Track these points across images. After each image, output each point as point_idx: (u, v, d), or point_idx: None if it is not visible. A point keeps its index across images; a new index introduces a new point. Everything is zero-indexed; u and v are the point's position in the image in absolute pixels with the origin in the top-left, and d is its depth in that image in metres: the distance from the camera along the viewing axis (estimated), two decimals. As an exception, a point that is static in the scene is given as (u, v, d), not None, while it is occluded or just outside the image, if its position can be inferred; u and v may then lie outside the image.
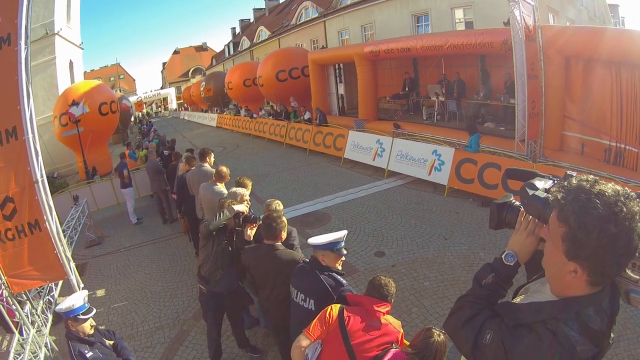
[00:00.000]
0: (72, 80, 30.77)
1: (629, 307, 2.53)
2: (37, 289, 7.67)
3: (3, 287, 6.06)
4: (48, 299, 8.01)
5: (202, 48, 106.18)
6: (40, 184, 5.88)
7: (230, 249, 6.01)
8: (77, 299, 4.75)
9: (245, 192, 6.66)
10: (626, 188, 1.71)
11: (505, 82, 17.49)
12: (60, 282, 8.68)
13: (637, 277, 1.76)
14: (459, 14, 24.42)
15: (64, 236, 7.69)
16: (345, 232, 4.76)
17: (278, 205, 6.07)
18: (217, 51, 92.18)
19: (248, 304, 7.55)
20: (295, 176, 17.30)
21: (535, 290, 2.18)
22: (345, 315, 3.87)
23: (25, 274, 6.08)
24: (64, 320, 4.83)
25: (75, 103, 21.41)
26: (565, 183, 1.81)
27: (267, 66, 30.58)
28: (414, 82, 23.84)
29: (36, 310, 6.98)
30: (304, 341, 3.92)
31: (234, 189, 6.73)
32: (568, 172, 2.01)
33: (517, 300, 2.23)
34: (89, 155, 22.26)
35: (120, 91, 67.34)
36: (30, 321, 6.48)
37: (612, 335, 1.86)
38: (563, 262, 1.79)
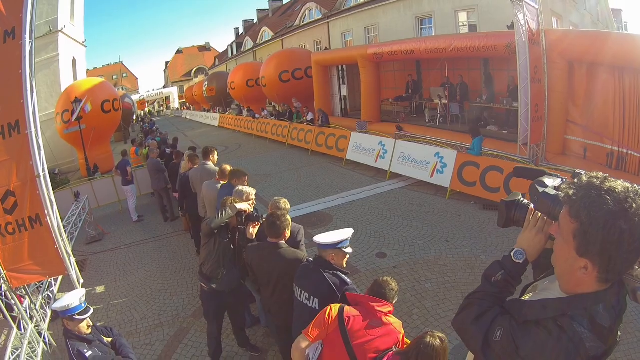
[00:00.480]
0: (75, 78, 30.93)
1: (628, 312, 2.53)
2: (36, 284, 7.68)
3: (2, 281, 6.06)
4: (47, 294, 8.02)
5: (205, 48, 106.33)
6: (42, 178, 5.88)
7: (232, 247, 6.01)
8: (74, 298, 4.70)
9: (252, 191, 6.66)
10: (635, 185, 1.71)
11: (508, 85, 17.49)
12: (60, 278, 8.70)
13: None
14: (462, 17, 24.46)
15: (64, 232, 7.70)
16: (351, 230, 4.74)
17: (285, 203, 6.04)
18: (220, 51, 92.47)
19: (249, 303, 7.53)
20: (297, 176, 17.31)
21: (544, 288, 2.19)
22: (345, 315, 3.84)
23: (25, 269, 6.08)
24: (61, 319, 4.79)
25: (77, 100, 21.46)
26: (576, 180, 1.81)
27: (270, 67, 30.67)
28: (417, 85, 23.82)
29: (35, 305, 6.97)
30: (303, 342, 3.92)
31: (240, 188, 6.72)
32: (577, 171, 2.01)
33: (526, 297, 2.24)
34: (91, 153, 22.45)
35: (123, 89, 67.30)
36: (29, 316, 6.47)
37: (619, 333, 1.87)
38: (574, 258, 1.79)
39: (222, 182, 8.22)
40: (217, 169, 8.84)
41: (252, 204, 6.74)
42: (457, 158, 13.05)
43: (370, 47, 23.23)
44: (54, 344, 6.99)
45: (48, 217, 5.92)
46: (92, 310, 4.82)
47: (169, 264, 10.65)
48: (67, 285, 9.10)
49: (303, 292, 4.59)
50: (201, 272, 6.15)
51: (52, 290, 8.37)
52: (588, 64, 13.29)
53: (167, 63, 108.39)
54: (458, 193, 12.78)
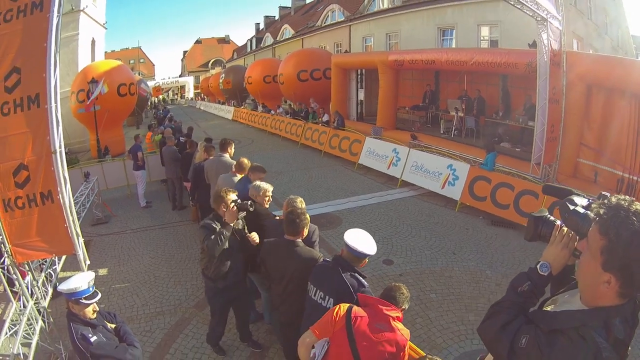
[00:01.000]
0: (93, 59, 31.09)
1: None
2: (39, 261, 7.63)
3: (6, 255, 5.97)
4: (49, 272, 7.94)
5: (224, 40, 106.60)
6: (58, 154, 5.72)
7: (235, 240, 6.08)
8: (82, 281, 4.52)
9: (269, 188, 6.73)
10: None
11: (524, 103, 17.50)
12: (64, 257, 8.69)
13: None
14: (484, 31, 24.41)
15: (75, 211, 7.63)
16: (375, 250, 4.74)
17: (301, 202, 6.08)
18: (239, 45, 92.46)
19: (254, 299, 7.58)
20: (308, 177, 17.40)
21: (565, 301, 2.35)
22: (353, 315, 3.87)
23: (31, 245, 5.93)
24: (65, 300, 4.62)
25: (94, 81, 21.65)
26: (606, 201, 1.99)
27: (289, 65, 30.77)
28: (435, 95, 23.81)
29: (37, 282, 6.83)
30: (308, 338, 4.00)
31: (257, 183, 6.79)
32: (603, 193, 2.20)
33: (548, 309, 2.38)
34: (103, 135, 22.52)
35: (139, 75, 67.37)
36: (30, 292, 6.40)
37: (629, 347, 2.03)
38: (599, 273, 1.96)
39: (238, 175, 8.24)
40: (234, 161, 8.84)
41: (269, 200, 6.84)
42: (470, 172, 13.10)
43: (392, 54, 23.20)
44: (51, 320, 6.94)
45: (60, 195, 5.77)
46: (99, 295, 4.68)
47: (175, 253, 10.67)
48: (70, 265, 9.09)
49: (318, 291, 4.62)
50: (204, 274, 6.24)
51: (55, 268, 8.24)
52: (606, 89, 13.32)
53: (185, 52, 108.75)
54: (467, 207, 12.83)
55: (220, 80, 52.00)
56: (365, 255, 4.65)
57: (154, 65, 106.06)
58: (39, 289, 6.87)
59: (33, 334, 6.11)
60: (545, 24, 12.26)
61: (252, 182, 7.43)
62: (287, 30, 53.87)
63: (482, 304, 7.83)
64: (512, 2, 11.80)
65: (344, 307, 3.98)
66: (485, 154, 13.49)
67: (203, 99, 71.52)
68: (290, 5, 64.76)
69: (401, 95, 24.61)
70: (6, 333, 5.62)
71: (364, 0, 35.42)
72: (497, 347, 2.31)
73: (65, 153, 6.14)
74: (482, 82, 20.69)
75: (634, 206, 1.89)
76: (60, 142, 5.71)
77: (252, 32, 77.99)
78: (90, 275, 4.67)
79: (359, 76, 28.31)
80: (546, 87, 12.60)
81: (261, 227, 6.30)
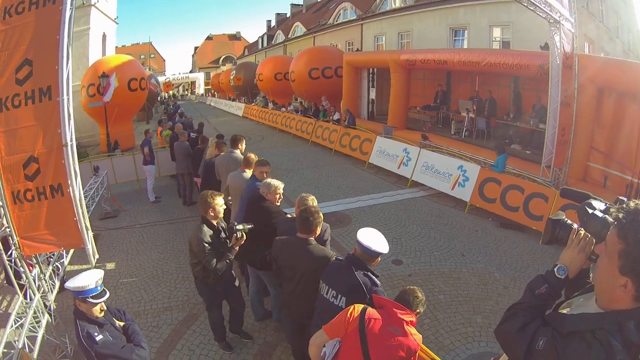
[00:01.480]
0: (104, 53, 31.33)
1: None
2: (46, 254, 7.62)
3: (13, 247, 5.95)
4: (57, 265, 8.00)
5: (235, 37, 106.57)
6: (69, 147, 5.69)
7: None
8: (90, 279, 4.39)
9: (280, 185, 6.75)
10: None
11: (534, 105, 17.55)
12: (72, 250, 8.70)
13: None
14: (496, 32, 24.30)
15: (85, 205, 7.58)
16: (387, 249, 4.77)
17: (313, 201, 6.09)
18: (250, 42, 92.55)
19: (263, 296, 7.61)
20: (318, 175, 17.43)
21: (580, 304, 2.39)
22: (367, 316, 3.86)
23: (40, 237, 5.91)
24: (73, 297, 4.45)
25: (104, 75, 21.73)
26: (624, 205, 2.03)
27: (301, 62, 30.73)
28: (446, 96, 23.84)
29: (44, 275, 6.85)
30: (320, 337, 4.00)
31: (268, 180, 6.79)
32: (620, 197, 2.26)
33: (564, 312, 2.43)
34: (113, 129, 22.70)
35: (150, 70, 67.54)
36: (36, 285, 6.40)
37: None
38: (616, 276, 2.00)
39: (247, 171, 8.27)
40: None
41: (280, 198, 6.85)
42: (480, 173, 13.09)
43: (404, 53, 23.17)
44: (59, 315, 6.94)
45: (71, 188, 5.74)
46: (107, 294, 4.55)
47: (183, 248, 10.48)
48: (78, 259, 9.28)
49: (330, 289, 4.63)
50: (199, 279, 6.36)
51: (63, 262, 8.32)
52: (618, 93, 13.28)
53: (196, 48, 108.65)
54: (477, 208, 12.81)
55: (231, 77, 51.88)
56: (378, 254, 4.65)
57: (164, 60, 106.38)
58: (46, 282, 6.85)
59: (39, 327, 6.12)
60: (558, 26, 12.20)
61: (256, 176, 7.55)
62: (299, 28, 53.83)
63: (490, 306, 7.85)
64: (525, 4, 11.75)
65: (359, 308, 3.96)
66: (495, 155, 13.45)
67: (213, 95, 71.73)
68: (302, 3, 64.62)
69: (412, 95, 24.58)
70: (12, 326, 5.63)
71: (376, -2, 35.35)
72: (514, 349, 2.35)
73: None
74: (494, 83, 20.69)
75: None
76: (71, 135, 5.65)
77: (264, 29, 78.15)
78: (99, 273, 4.54)
79: (371, 75, 28.41)
80: (558, 90, 12.53)
81: (272, 225, 6.32)
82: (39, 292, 6.38)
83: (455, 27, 26.95)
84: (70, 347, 6.58)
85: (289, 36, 56.57)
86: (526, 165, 14.95)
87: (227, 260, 5.96)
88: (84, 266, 9.40)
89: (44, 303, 6.58)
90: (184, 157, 13.81)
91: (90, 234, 6.18)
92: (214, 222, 6.19)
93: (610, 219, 2.18)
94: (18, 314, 5.87)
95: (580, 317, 2.17)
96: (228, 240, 6.23)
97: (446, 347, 6.79)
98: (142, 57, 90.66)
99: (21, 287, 6.25)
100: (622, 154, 13.15)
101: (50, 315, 6.56)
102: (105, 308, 4.56)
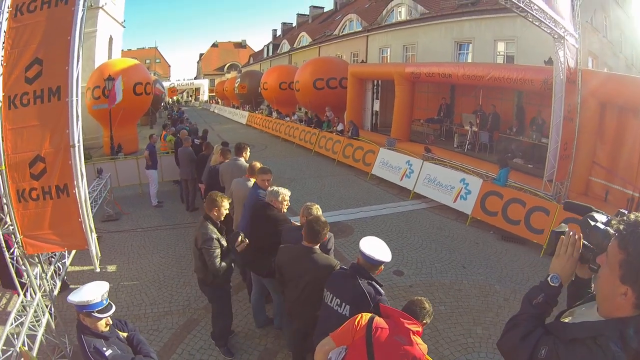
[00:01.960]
0: (110, 56, 31.44)
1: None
2: (48, 254, 7.45)
3: (16, 245, 5.91)
4: (58, 265, 7.95)
5: (240, 45, 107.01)
6: (76, 148, 5.66)
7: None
8: (95, 293, 4.20)
9: (287, 193, 6.79)
10: None
11: (533, 118, 17.72)
12: (74, 251, 8.68)
13: None
14: (501, 46, 24.40)
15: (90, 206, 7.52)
16: (390, 257, 4.88)
17: (318, 210, 6.13)
18: (255, 50, 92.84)
19: (265, 303, 7.63)
20: (320, 185, 17.47)
21: (581, 313, 2.45)
22: (374, 325, 3.87)
23: (43, 237, 5.85)
24: (76, 311, 4.26)
25: (110, 78, 21.79)
26: (625, 218, 2.11)
27: (306, 72, 30.87)
28: (449, 109, 23.89)
29: (46, 275, 6.76)
30: (328, 344, 3.99)
31: (275, 188, 6.82)
32: (620, 210, 2.37)
33: (566, 320, 2.48)
34: (117, 132, 22.75)
35: (155, 75, 67.72)
36: (38, 284, 6.34)
37: None
38: (617, 285, 2.07)
39: (252, 180, 8.24)
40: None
41: (287, 205, 6.89)
42: (482, 186, 13.14)
43: (409, 66, 23.33)
44: (59, 316, 6.91)
45: (77, 189, 5.68)
46: (114, 309, 4.35)
47: (185, 253, 10.63)
48: (79, 260, 9.32)
49: (335, 298, 4.66)
50: (205, 284, 6.45)
51: (64, 262, 8.25)
52: (620, 108, 13.38)
53: (201, 55, 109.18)
54: (478, 221, 12.85)
55: (236, 85, 52.11)
56: (381, 263, 4.75)
57: (169, 66, 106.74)
58: (47, 282, 6.81)
59: (39, 326, 6.12)
60: (562, 41, 12.26)
61: (259, 185, 7.55)
62: (305, 38, 54.03)
63: (490, 318, 7.88)
64: (530, 19, 11.80)
65: (366, 316, 3.99)
66: (498, 169, 13.51)
67: (217, 102, 71.90)
68: (308, 13, 65.09)
69: (416, 108, 24.67)
70: (12, 324, 5.62)
71: (382, 11, 35.50)
72: (517, 359, 2.39)
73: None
74: (497, 97, 20.76)
75: None
76: (79, 136, 5.62)
77: (269, 38, 78.52)
78: (104, 286, 4.36)
79: (375, 87, 28.48)
80: (561, 105, 12.57)
81: (279, 233, 6.34)
82: (40, 292, 6.37)
83: (460, 40, 27.06)
84: (70, 347, 6.58)
85: (295, 46, 56.76)
86: (528, 179, 15.03)
87: (230, 261, 6.04)
88: (85, 267, 9.50)
89: (45, 304, 6.57)
90: (187, 163, 13.86)
91: (94, 235, 6.16)
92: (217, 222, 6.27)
93: (611, 231, 2.24)
94: (18, 312, 5.87)
95: (581, 325, 2.24)
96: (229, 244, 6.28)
97: (446, 358, 6.82)
98: (147, 61, 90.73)
99: (22, 285, 6.22)
100: (623, 169, 13.24)
101: (50, 314, 6.54)
102: (111, 322, 4.38)
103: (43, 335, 6.18)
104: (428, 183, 15.11)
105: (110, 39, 32.20)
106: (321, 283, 4.91)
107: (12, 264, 6.08)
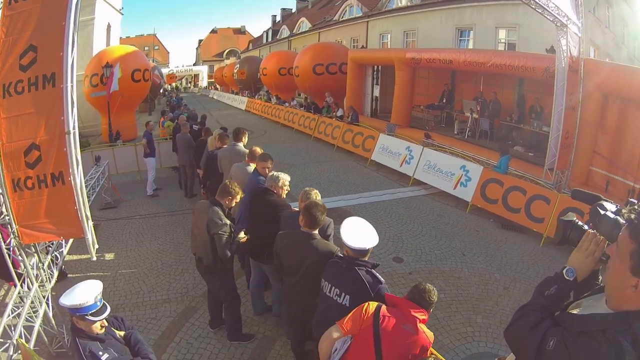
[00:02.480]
0: (108, 44, 31.29)
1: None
2: (45, 243, 7.46)
3: (12, 235, 5.87)
4: (55, 254, 7.88)
5: (240, 31, 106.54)
6: (72, 135, 5.57)
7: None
8: (88, 295, 3.97)
9: (287, 178, 6.74)
10: None
11: (532, 105, 17.76)
12: (71, 240, 8.62)
13: None
14: (502, 34, 24.20)
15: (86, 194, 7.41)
16: (377, 239, 4.71)
17: (316, 195, 6.07)
18: (255, 36, 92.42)
19: (264, 290, 7.60)
20: (320, 170, 17.45)
21: (589, 305, 2.38)
22: (381, 314, 3.87)
23: (39, 226, 5.79)
24: (69, 314, 4.08)
25: (108, 65, 21.68)
26: (636, 207, 2.02)
27: (305, 58, 30.63)
28: (451, 95, 23.79)
29: (42, 265, 6.80)
30: (335, 333, 3.96)
31: (275, 173, 6.76)
32: (630, 200, 2.23)
33: (573, 312, 2.42)
34: (115, 119, 22.60)
35: (154, 62, 67.45)
36: (35, 275, 6.34)
37: None
38: (627, 277, 1.99)
39: (251, 165, 8.20)
40: (247, 150, 8.80)
41: (287, 190, 6.83)
42: (483, 173, 13.07)
43: (409, 52, 23.12)
44: (56, 307, 6.84)
45: (72, 177, 5.61)
46: (108, 310, 4.13)
47: (183, 240, 10.61)
48: (76, 249, 9.28)
49: (334, 288, 4.57)
50: (217, 270, 6.33)
51: (62, 251, 8.23)
52: (622, 98, 13.25)
53: (200, 41, 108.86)
54: (478, 208, 12.80)
55: (235, 71, 51.88)
56: (365, 250, 4.61)
57: (168, 52, 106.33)
58: (44, 272, 6.76)
59: (36, 317, 6.07)
60: (565, 29, 12.16)
61: (258, 171, 7.51)
62: (304, 24, 53.76)
63: (490, 307, 7.86)
64: (533, 6, 11.69)
65: (373, 305, 3.99)
66: (498, 156, 13.44)
67: (216, 89, 71.64)
68: (307, -1, 64.74)
69: (417, 94, 24.50)
70: (9, 315, 5.57)
71: (383, -4, 35.27)
72: (524, 349, 2.33)
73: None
74: (499, 84, 20.60)
75: None
76: (74, 123, 5.55)
77: (269, 24, 77.80)
78: (98, 287, 4.12)
79: (375, 72, 28.28)
80: (563, 94, 12.50)
81: (278, 218, 6.30)
82: (37, 282, 6.32)
83: (461, 27, 26.85)
84: (67, 338, 6.52)
85: (294, 31, 56.45)
86: (528, 167, 14.96)
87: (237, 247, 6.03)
88: (83, 256, 9.44)
89: (42, 294, 6.52)
90: (186, 149, 13.78)
91: (91, 223, 6.09)
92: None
93: (622, 220, 2.16)
94: (15, 303, 5.82)
95: (590, 317, 2.17)
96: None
97: (446, 347, 6.78)
98: (146, 48, 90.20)
99: (19, 276, 6.15)
100: (624, 160, 13.15)
101: (47, 305, 6.50)
102: (107, 324, 4.18)
103: (40, 326, 6.13)
104: (428, 169, 15.05)
105: (109, 26, 32.03)
106: (321, 270, 4.82)
107: (9, 255, 6.02)
